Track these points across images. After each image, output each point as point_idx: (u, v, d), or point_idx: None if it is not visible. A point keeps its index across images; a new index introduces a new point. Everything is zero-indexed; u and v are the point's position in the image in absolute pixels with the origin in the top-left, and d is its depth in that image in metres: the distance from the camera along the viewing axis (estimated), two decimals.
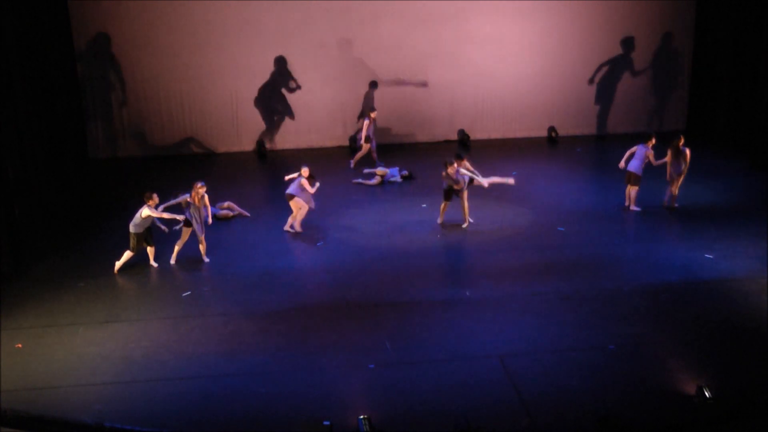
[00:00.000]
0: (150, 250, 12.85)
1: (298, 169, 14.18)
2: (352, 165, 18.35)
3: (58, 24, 18.22)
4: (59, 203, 16.00)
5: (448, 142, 20.78)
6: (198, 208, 12.76)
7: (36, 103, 15.79)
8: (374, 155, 18.32)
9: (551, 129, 21.06)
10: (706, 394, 8.61)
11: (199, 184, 12.73)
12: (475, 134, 20.99)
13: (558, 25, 20.71)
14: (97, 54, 19.58)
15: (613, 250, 13.12)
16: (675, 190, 14.99)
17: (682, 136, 15.04)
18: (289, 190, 14.07)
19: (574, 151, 19.76)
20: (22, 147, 14.51)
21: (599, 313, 10.89)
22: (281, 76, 20.21)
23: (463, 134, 20.92)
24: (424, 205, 15.60)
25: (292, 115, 20.57)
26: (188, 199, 12.72)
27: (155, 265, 12.90)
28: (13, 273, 12.57)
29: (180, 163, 19.51)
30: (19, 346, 10.29)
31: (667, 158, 14.79)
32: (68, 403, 9.02)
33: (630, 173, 14.88)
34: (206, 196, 12.88)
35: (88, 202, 16.34)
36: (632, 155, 14.89)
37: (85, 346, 10.35)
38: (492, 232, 14.16)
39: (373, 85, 20.04)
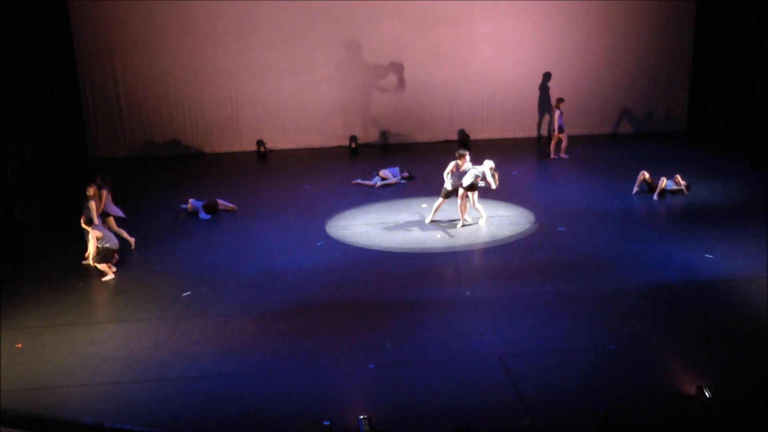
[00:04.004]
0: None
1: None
2: (556, 155, 19.01)
3: (58, 24, 18.23)
4: (59, 203, 15.99)
5: (448, 142, 20.79)
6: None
7: (36, 102, 15.79)
8: (553, 145, 19.06)
9: (551, 129, 21.07)
10: (706, 394, 8.59)
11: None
12: (475, 134, 21.01)
13: (558, 25, 20.73)
14: (97, 54, 19.60)
15: (613, 250, 13.11)
16: None
17: None
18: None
19: (574, 151, 19.75)
20: (22, 147, 14.50)
21: (599, 313, 10.87)
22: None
23: (463, 134, 20.92)
24: (424, 205, 15.60)
25: (292, 115, 20.58)
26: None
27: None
28: (13, 273, 12.57)
29: (180, 163, 19.53)
30: (19, 346, 10.28)
31: None
32: (68, 403, 9.00)
33: None
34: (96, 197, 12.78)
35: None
36: None
37: (85, 346, 10.33)
38: (492, 232, 14.16)
39: (548, 77, 20.67)
